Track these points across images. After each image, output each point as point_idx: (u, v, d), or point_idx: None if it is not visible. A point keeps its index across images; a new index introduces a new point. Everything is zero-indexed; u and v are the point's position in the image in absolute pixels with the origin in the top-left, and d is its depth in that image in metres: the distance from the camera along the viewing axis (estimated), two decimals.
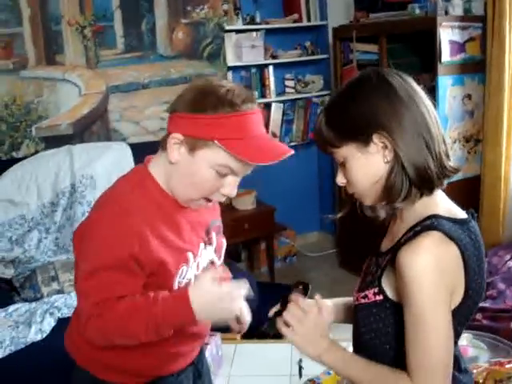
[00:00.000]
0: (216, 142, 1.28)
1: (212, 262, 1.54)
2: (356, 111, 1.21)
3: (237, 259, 4.50)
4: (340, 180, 1.29)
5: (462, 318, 1.22)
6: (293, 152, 1.35)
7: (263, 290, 3.29)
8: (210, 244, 1.53)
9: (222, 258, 1.59)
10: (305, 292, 1.38)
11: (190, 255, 1.43)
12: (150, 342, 1.34)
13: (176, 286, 1.41)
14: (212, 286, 1.31)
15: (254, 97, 1.36)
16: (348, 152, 1.24)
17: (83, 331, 1.36)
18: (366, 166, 1.23)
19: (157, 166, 1.41)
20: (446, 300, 1.15)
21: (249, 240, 4.45)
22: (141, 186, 1.39)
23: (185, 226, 1.44)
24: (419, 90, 1.24)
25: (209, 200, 1.41)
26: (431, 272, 1.12)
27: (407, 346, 1.17)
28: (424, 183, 1.20)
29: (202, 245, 1.49)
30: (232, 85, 1.34)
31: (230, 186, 1.37)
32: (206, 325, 1.57)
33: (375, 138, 1.20)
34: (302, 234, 5.03)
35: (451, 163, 1.24)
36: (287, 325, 1.29)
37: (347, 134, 1.23)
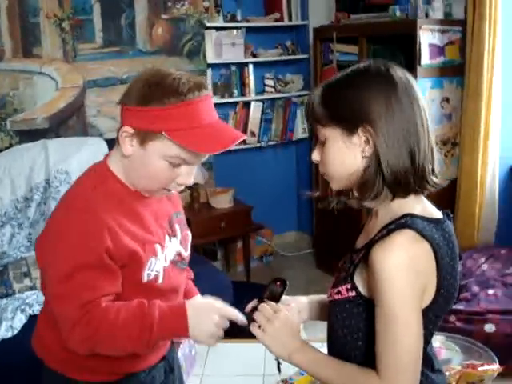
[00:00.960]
0: (164, 133, 1.27)
1: (179, 254, 1.53)
2: (351, 98, 1.20)
3: (213, 258, 4.47)
4: (315, 157, 1.28)
5: (433, 317, 1.21)
6: (245, 137, 1.35)
7: (239, 289, 3.29)
8: (175, 236, 1.52)
9: (189, 250, 1.58)
10: (283, 288, 1.37)
11: (157, 247, 1.42)
12: None
13: (145, 279, 1.39)
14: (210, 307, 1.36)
15: (203, 83, 1.34)
16: (331, 134, 1.22)
17: (66, 339, 1.33)
18: (344, 154, 1.22)
19: (115, 161, 1.41)
20: (418, 299, 1.14)
21: (225, 239, 4.41)
22: (101, 182, 1.38)
23: (149, 218, 1.44)
24: (420, 97, 1.21)
25: (168, 190, 1.41)
26: (404, 270, 1.12)
27: (377, 344, 1.16)
28: (398, 188, 1.19)
29: (166, 237, 1.48)
30: (180, 73, 1.33)
31: (185, 176, 1.37)
32: None
33: (361, 130, 1.19)
34: (279, 234, 5.02)
35: (434, 178, 1.22)
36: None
37: (336, 117, 1.22)
